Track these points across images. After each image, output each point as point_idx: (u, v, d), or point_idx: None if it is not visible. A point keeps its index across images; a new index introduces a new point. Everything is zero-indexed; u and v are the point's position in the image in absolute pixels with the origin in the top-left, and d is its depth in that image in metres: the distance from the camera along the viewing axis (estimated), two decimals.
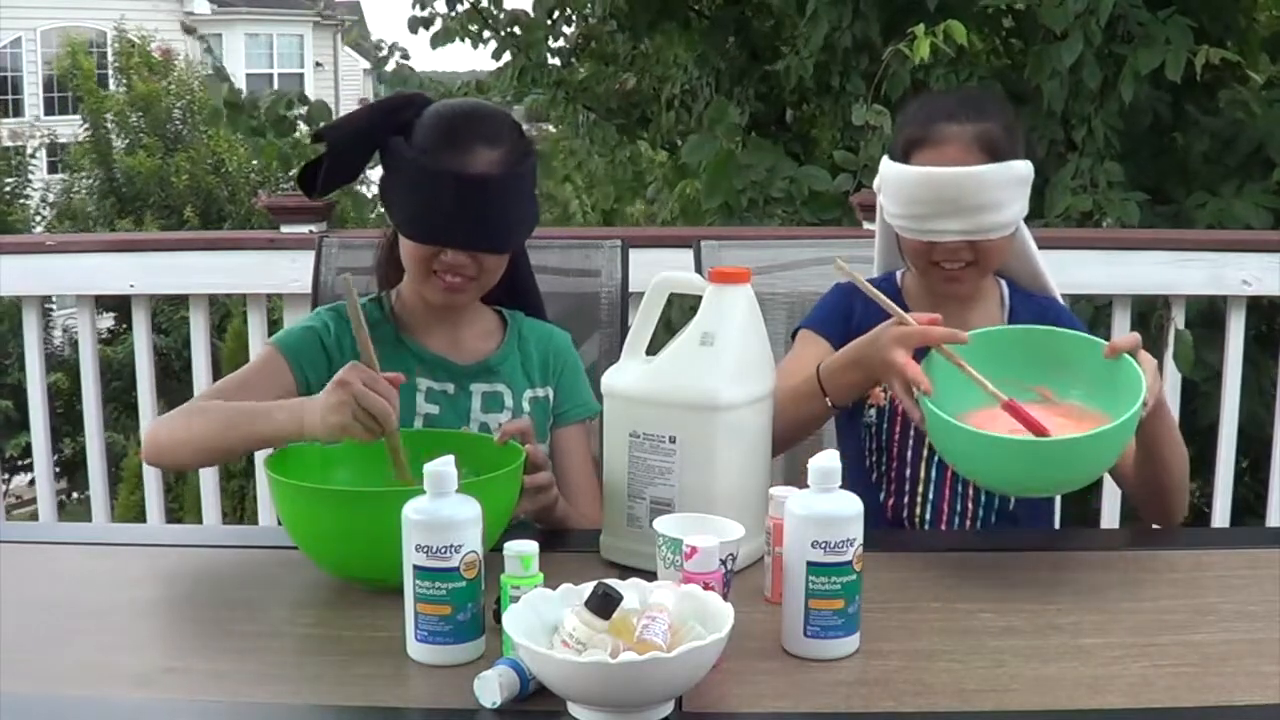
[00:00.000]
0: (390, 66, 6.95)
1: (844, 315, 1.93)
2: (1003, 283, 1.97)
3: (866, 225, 3.07)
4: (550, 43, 6.50)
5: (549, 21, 6.40)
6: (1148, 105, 4.15)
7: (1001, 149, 1.80)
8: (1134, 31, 4.02)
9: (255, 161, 11.83)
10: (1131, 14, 4.01)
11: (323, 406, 1.56)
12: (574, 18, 6.55)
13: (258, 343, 3.13)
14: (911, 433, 1.88)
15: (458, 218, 1.73)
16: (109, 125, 13.18)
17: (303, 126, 4.48)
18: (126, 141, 13.09)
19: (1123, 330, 2.96)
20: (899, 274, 1.98)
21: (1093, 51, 4.04)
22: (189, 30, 19.36)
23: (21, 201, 13.30)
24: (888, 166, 1.86)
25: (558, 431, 1.91)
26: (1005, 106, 1.92)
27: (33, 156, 14.41)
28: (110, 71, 14.18)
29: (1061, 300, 2.02)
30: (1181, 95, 4.22)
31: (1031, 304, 1.96)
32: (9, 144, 13.95)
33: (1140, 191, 4.03)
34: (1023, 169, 1.81)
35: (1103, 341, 1.66)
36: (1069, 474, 1.60)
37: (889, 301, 1.70)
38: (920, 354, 1.66)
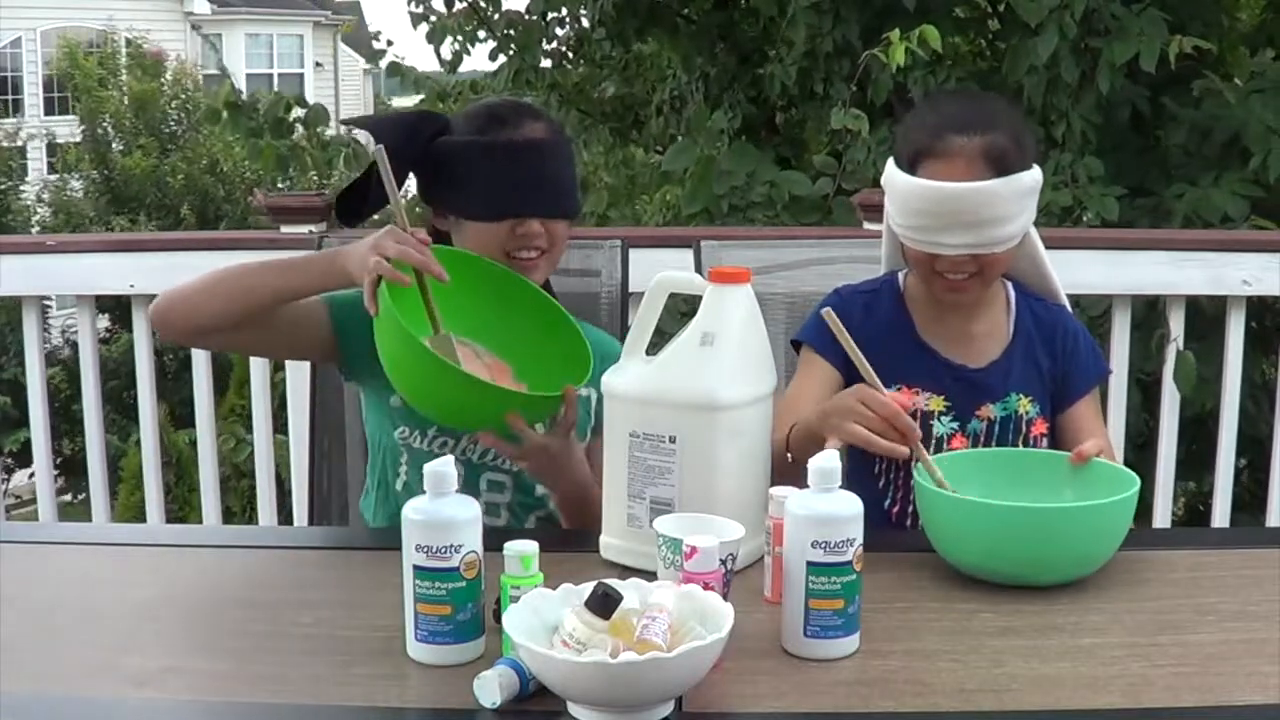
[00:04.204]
0: (385, 62, 6.93)
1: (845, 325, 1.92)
2: (1009, 285, 1.94)
3: (867, 225, 3.07)
4: (544, 45, 6.50)
5: (543, 23, 6.39)
6: (1126, 100, 4.19)
7: (1010, 161, 1.76)
8: (1109, 25, 4.07)
9: (247, 162, 11.85)
10: (1105, 8, 4.06)
11: (361, 250, 1.65)
12: (566, 20, 6.55)
13: None
14: None
15: (530, 185, 1.81)
16: (107, 126, 13.17)
17: (300, 130, 4.50)
18: (123, 142, 13.09)
19: (1123, 333, 2.97)
20: (901, 275, 1.96)
21: (1068, 45, 4.08)
22: (196, 27, 19.33)
23: (19, 202, 13.30)
24: (893, 174, 1.83)
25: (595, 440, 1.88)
26: (1014, 114, 1.89)
27: (21, 150, 14.39)
28: (106, 73, 14.16)
29: (1068, 305, 2.00)
30: (1159, 91, 4.25)
31: (1038, 308, 1.93)
32: (5, 144, 13.94)
33: (1122, 187, 4.06)
34: (1030, 180, 1.79)
35: (1066, 454, 1.68)
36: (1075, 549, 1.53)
37: (868, 369, 1.64)
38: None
